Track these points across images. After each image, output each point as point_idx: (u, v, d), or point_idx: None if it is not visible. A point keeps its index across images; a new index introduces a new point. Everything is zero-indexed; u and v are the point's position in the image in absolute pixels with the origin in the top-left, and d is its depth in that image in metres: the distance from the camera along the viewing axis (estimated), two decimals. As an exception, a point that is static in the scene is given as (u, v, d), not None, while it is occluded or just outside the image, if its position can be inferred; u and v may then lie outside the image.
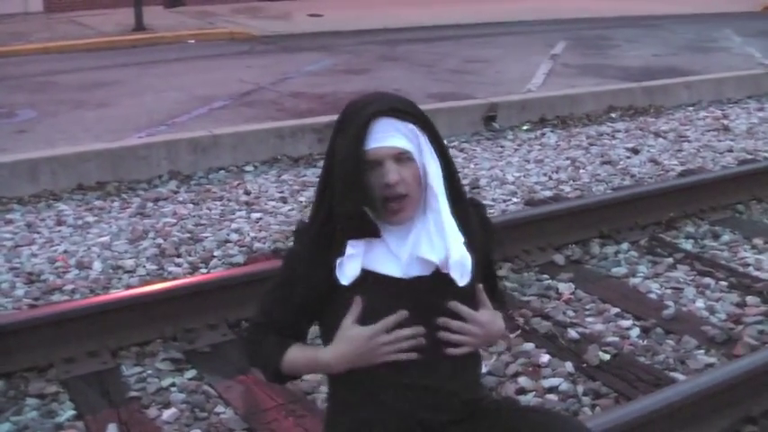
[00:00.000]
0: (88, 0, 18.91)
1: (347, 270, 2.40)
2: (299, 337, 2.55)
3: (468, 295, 2.43)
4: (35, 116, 9.63)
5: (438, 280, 2.40)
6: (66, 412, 3.99)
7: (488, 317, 2.47)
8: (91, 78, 11.95)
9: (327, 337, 2.46)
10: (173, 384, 4.19)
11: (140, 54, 14.45)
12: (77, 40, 15.39)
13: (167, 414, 3.93)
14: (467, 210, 2.52)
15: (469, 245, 2.43)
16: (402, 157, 2.34)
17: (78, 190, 7.33)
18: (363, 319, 2.37)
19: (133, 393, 4.11)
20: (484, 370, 4.20)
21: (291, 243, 2.58)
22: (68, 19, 17.74)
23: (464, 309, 2.41)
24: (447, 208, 2.41)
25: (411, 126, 2.36)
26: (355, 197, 2.33)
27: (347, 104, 2.44)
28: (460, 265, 2.40)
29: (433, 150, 2.41)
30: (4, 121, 9.46)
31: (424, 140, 2.39)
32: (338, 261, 2.40)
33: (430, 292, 2.40)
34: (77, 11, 18.51)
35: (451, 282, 2.40)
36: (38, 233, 6.30)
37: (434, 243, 2.38)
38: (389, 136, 2.34)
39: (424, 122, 2.40)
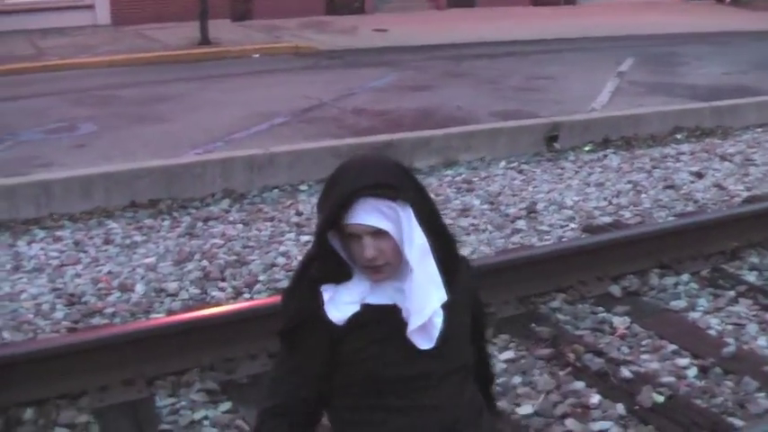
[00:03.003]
0: (155, 13, 19.00)
1: (342, 308, 2.43)
2: (311, 421, 2.54)
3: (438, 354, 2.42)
4: (95, 130, 9.64)
5: None
6: (96, 445, 3.89)
7: None
8: (153, 93, 11.96)
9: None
10: (206, 417, 4.06)
11: (204, 68, 14.46)
12: (143, 53, 15.47)
13: (198, 451, 3.81)
14: (458, 272, 2.52)
15: (454, 308, 2.43)
16: (379, 233, 2.36)
17: (130, 207, 7.26)
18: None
19: (165, 426, 3.99)
20: (530, 410, 4.04)
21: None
22: (135, 32, 17.85)
23: None
24: (424, 280, 2.39)
25: (391, 204, 2.36)
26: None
27: (339, 167, 2.44)
28: (426, 331, 2.40)
29: (415, 223, 2.38)
30: (64, 134, 9.48)
31: (405, 216, 2.37)
32: (326, 298, 2.43)
33: None
34: (145, 24, 18.61)
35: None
36: (84, 252, 6.23)
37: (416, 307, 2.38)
38: (367, 215, 2.35)
39: (408, 195, 2.40)
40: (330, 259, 2.43)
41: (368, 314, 2.42)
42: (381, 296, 2.43)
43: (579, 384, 4.28)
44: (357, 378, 2.43)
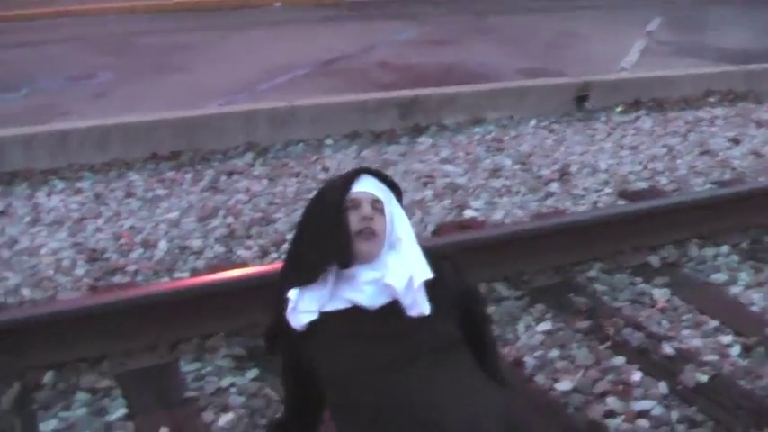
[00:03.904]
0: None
1: (301, 317, 2.68)
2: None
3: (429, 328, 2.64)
4: (114, 79, 9.45)
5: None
6: (117, 411, 3.71)
7: None
8: (173, 41, 11.75)
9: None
10: (232, 385, 3.89)
11: (225, 17, 14.24)
12: (163, 0, 15.20)
13: (224, 420, 3.63)
14: (438, 264, 2.77)
15: (439, 294, 2.69)
16: (377, 206, 2.72)
17: (151, 159, 7.08)
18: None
19: (190, 393, 3.83)
20: (569, 386, 3.87)
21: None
22: (155, -22, 17.58)
23: None
24: (413, 250, 2.74)
25: (386, 189, 2.81)
26: (336, 235, 2.65)
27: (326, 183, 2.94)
28: (412, 296, 2.63)
29: (401, 210, 2.83)
30: (82, 82, 9.30)
31: (395, 203, 2.83)
32: (289, 306, 2.68)
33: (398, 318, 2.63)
34: (165, -30, 18.32)
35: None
36: (105, 205, 6.07)
37: (399, 274, 2.64)
38: (370, 186, 2.76)
39: (398, 194, 2.86)
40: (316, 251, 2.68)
41: (326, 321, 2.65)
42: (338, 302, 2.66)
43: (619, 360, 4.09)
44: (330, 377, 2.63)
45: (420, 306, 2.63)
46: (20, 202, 6.14)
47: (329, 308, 2.66)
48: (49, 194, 6.30)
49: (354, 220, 2.66)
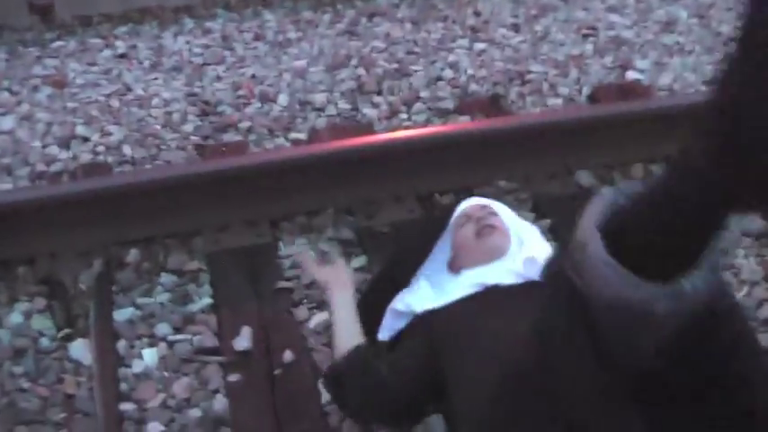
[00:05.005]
0: None
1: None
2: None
3: None
4: None
5: None
6: (202, 299, 3.29)
7: None
8: None
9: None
10: (335, 276, 3.40)
11: None
12: None
13: (317, 320, 3.17)
14: None
15: None
16: (487, 210, 2.61)
17: (292, -5, 6.54)
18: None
19: (283, 284, 3.37)
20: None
21: None
22: None
23: None
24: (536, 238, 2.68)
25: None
26: None
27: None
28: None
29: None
30: None
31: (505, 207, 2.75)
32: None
33: None
34: None
35: None
36: (231, 50, 5.56)
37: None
38: (473, 201, 2.74)
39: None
40: None
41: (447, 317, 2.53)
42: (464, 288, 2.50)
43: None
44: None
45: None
46: (144, 44, 5.70)
47: (453, 297, 2.42)
48: (176, 35, 5.83)
49: (468, 228, 2.56)
